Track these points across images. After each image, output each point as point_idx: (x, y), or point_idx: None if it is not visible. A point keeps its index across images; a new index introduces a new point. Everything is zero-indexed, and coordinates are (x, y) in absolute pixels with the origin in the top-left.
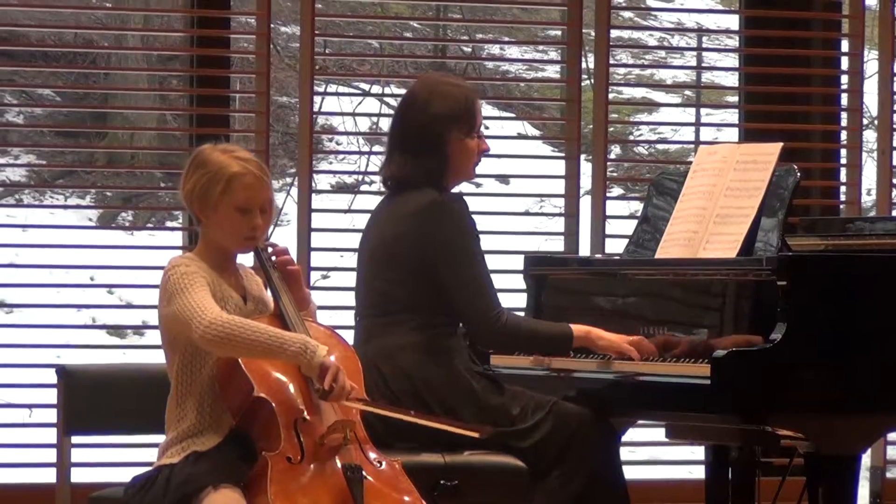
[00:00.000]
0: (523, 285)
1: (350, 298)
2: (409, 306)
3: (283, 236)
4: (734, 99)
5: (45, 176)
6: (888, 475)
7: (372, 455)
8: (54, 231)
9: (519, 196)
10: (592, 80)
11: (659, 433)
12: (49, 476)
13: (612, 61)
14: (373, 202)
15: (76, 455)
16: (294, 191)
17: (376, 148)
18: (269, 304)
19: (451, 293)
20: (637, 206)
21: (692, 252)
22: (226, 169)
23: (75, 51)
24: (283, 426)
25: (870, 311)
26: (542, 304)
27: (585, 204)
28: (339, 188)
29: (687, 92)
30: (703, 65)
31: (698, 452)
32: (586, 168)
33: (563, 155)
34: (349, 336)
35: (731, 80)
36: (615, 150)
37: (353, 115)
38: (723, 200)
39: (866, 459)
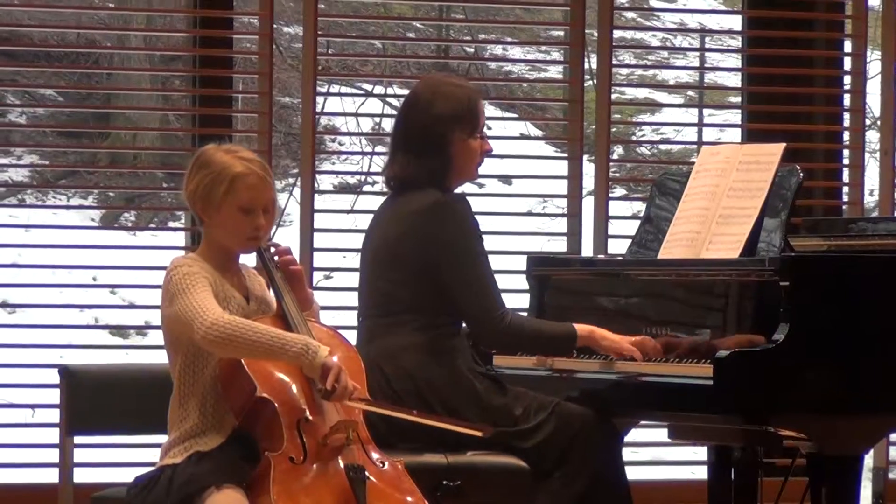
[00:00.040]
0: (526, 286)
1: (353, 299)
2: (413, 307)
3: (286, 237)
4: (737, 99)
5: (47, 176)
6: (891, 476)
7: (374, 455)
8: (57, 231)
9: (521, 196)
10: (595, 81)
11: (661, 434)
12: (52, 476)
13: (614, 62)
14: (375, 202)
15: (79, 455)
16: (297, 191)
17: (379, 148)
18: (272, 304)
19: (455, 293)
20: (640, 207)
21: (695, 252)
22: (229, 169)
23: (78, 51)
24: (286, 426)
25: (872, 311)
26: (544, 305)
27: (588, 204)
28: (342, 189)
29: (690, 92)
30: (706, 65)
31: (701, 453)
32: (589, 168)
33: (565, 155)
34: (352, 336)
35: (734, 80)
36: (618, 151)
37: (356, 115)
38: (725, 201)
39: (869, 460)
